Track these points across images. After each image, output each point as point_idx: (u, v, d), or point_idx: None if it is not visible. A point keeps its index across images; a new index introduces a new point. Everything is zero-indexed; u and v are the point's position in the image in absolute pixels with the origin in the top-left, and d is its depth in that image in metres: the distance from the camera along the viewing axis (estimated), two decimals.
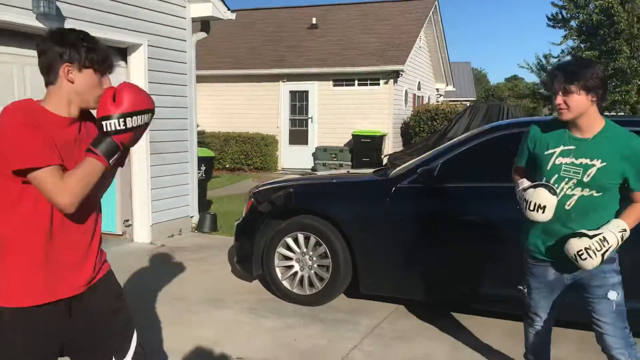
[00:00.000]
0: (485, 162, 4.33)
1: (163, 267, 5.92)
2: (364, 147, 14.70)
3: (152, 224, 6.97)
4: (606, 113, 12.85)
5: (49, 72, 1.95)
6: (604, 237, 2.48)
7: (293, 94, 16.57)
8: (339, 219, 4.59)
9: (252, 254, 4.97)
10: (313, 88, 16.32)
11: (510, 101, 35.31)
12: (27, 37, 5.41)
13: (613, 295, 2.60)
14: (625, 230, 2.52)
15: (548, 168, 2.67)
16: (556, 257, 2.68)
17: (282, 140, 16.59)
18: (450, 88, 23.33)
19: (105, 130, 1.90)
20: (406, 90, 17.13)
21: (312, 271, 4.76)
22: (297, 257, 4.81)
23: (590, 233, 2.50)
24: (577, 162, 2.59)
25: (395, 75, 15.58)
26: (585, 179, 2.56)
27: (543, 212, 2.59)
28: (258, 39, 18.31)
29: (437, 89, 22.32)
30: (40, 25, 5.34)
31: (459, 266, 4.25)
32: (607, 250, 2.48)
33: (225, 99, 16.89)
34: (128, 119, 1.90)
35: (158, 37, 6.87)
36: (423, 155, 4.74)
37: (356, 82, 16.05)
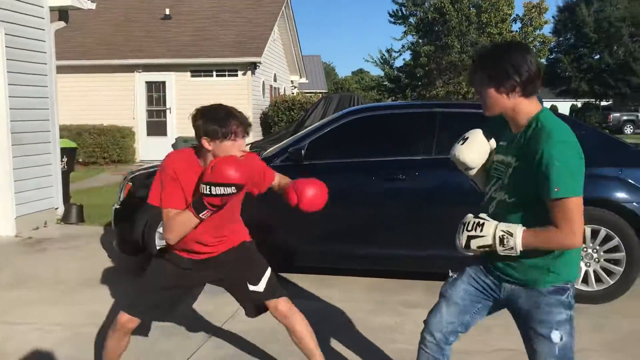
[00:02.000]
0: (344, 141, 5.04)
1: (35, 258, 5.90)
2: None
3: (16, 217, 6.81)
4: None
5: (197, 138, 2.65)
6: (482, 223, 2.10)
7: (149, 84, 16.38)
8: None
9: (132, 236, 5.19)
10: (170, 79, 16.27)
11: (358, 93, 37.42)
12: None
13: (556, 336, 2.10)
14: (510, 235, 2.03)
15: (487, 167, 2.33)
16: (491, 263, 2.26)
17: (139, 131, 16.35)
18: (303, 80, 24.33)
19: (200, 191, 2.51)
20: (263, 81, 17.68)
21: None
22: None
23: (482, 215, 2.16)
24: (505, 159, 2.19)
25: (252, 66, 16.05)
26: (505, 180, 2.16)
27: (463, 142, 2.34)
28: (109, 28, 17.74)
29: (292, 81, 23.18)
30: None
31: (331, 231, 4.85)
32: (473, 237, 2.09)
33: (76, 91, 16.19)
34: (212, 188, 2.46)
35: (16, 26, 6.71)
36: (292, 137, 5.30)
37: (214, 73, 16.28)
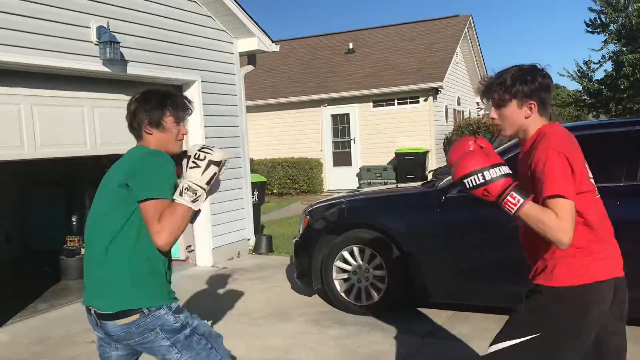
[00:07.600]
0: None
1: (226, 287, 6.29)
2: (408, 164, 14.91)
3: (213, 248, 7.37)
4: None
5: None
6: None
7: (335, 117, 16.99)
8: (391, 230, 4.85)
9: (311, 269, 5.26)
10: (354, 110, 16.70)
11: (553, 110, 34.88)
12: (94, 81, 5.94)
13: None
14: None
15: None
16: None
17: (326, 162, 16.98)
18: None
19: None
20: (446, 106, 17.31)
21: (369, 282, 5.02)
22: (353, 269, 5.08)
23: None
24: None
25: (434, 92, 15.82)
26: None
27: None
28: (297, 67, 18.87)
29: (477, 103, 22.37)
30: (106, 69, 5.85)
31: (506, 265, 4.42)
32: None
33: (270, 127, 17.42)
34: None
35: (209, 73, 7.36)
36: None
37: (396, 101, 16.35)
